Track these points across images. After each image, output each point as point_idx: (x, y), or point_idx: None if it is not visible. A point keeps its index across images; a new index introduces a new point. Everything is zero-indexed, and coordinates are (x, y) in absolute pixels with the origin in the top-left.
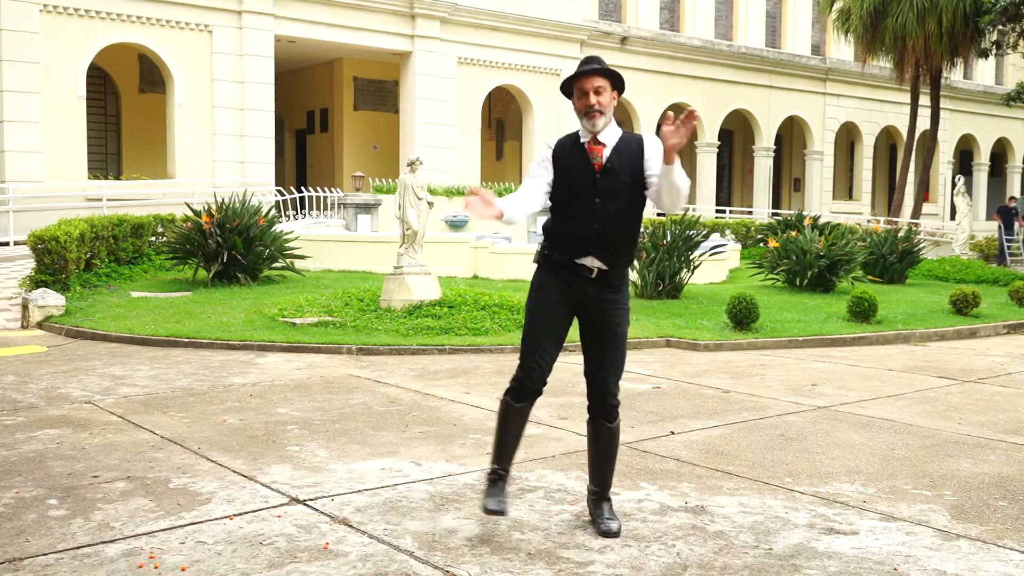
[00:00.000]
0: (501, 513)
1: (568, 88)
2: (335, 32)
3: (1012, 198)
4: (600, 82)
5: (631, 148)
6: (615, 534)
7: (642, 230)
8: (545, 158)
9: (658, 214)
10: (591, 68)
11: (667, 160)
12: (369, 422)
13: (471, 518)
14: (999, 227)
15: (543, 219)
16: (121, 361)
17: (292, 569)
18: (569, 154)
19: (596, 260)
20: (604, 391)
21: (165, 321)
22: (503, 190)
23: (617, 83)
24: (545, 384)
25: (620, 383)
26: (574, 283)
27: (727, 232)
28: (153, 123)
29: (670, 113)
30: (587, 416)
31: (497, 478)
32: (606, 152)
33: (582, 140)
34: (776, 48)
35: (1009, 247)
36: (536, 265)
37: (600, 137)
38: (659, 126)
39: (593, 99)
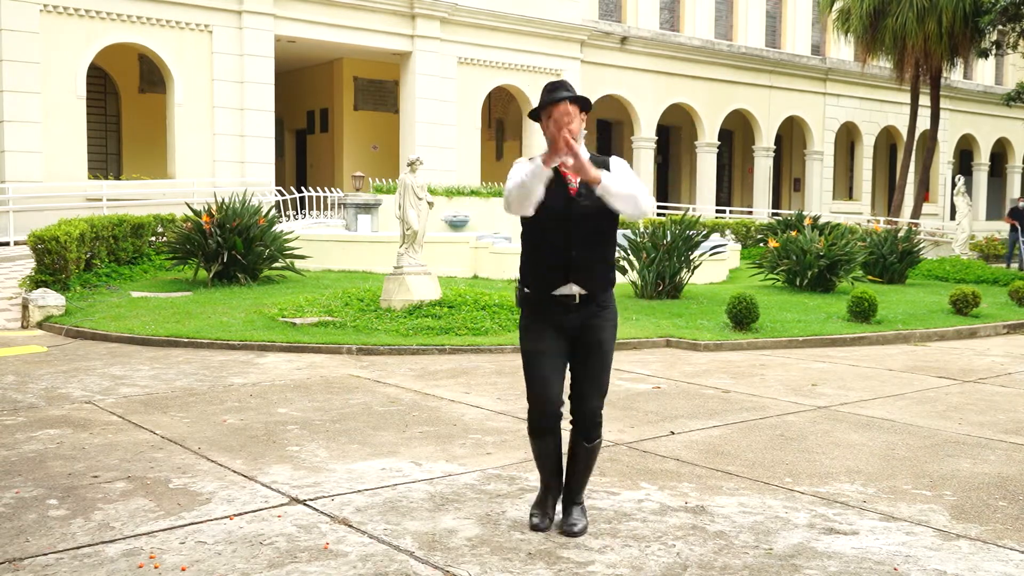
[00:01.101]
0: (539, 528)
1: (537, 114)
2: (335, 32)
3: (1022, 197)
4: (570, 109)
5: (602, 169)
6: (576, 534)
7: (642, 230)
8: (524, 168)
9: (658, 210)
10: (560, 96)
11: (593, 183)
12: (369, 422)
13: (471, 518)
14: (1013, 229)
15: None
16: (121, 361)
17: (292, 569)
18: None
19: (576, 287)
20: (586, 412)
21: (165, 321)
22: (502, 190)
23: (585, 106)
24: (561, 415)
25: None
26: (559, 318)
27: (727, 232)
28: (153, 123)
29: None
30: (571, 426)
31: (544, 493)
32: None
33: (553, 166)
34: (776, 48)
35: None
36: (520, 308)
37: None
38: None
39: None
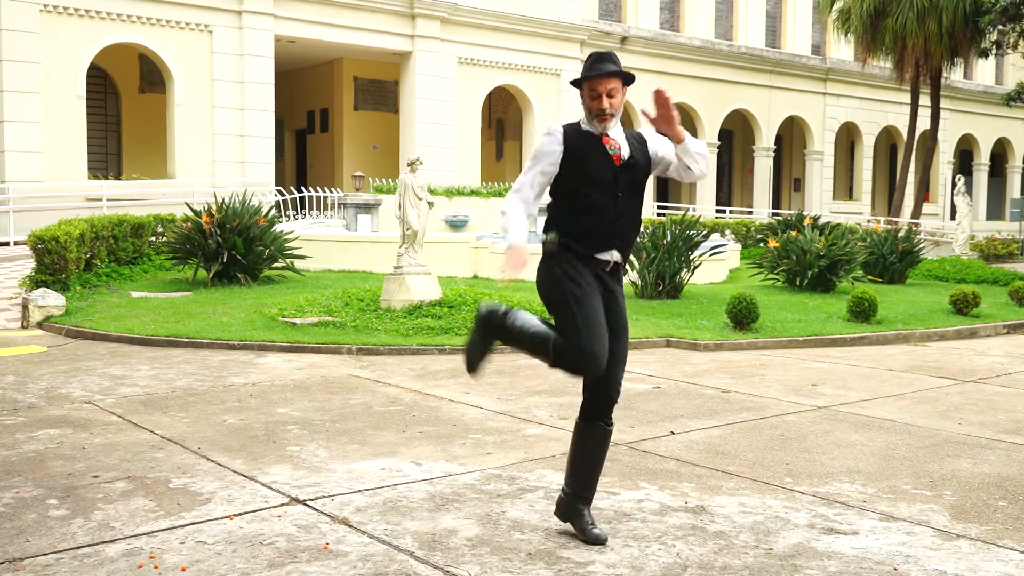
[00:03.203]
0: (603, 540)
1: (579, 83)
2: (335, 32)
3: None
4: (614, 84)
5: (639, 142)
6: (604, 540)
7: (642, 230)
8: (553, 152)
9: (658, 210)
10: (607, 71)
11: (677, 140)
12: (369, 422)
13: (471, 518)
14: None
15: (542, 218)
16: (121, 361)
17: (292, 569)
18: (586, 146)
19: (616, 253)
20: (612, 384)
21: (165, 321)
22: (503, 190)
23: (628, 80)
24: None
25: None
26: (598, 274)
27: (727, 232)
28: (153, 123)
29: (643, 111)
30: (580, 418)
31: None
32: (623, 146)
33: (594, 132)
34: (776, 48)
35: None
36: (550, 255)
37: (611, 133)
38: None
39: (606, 103)
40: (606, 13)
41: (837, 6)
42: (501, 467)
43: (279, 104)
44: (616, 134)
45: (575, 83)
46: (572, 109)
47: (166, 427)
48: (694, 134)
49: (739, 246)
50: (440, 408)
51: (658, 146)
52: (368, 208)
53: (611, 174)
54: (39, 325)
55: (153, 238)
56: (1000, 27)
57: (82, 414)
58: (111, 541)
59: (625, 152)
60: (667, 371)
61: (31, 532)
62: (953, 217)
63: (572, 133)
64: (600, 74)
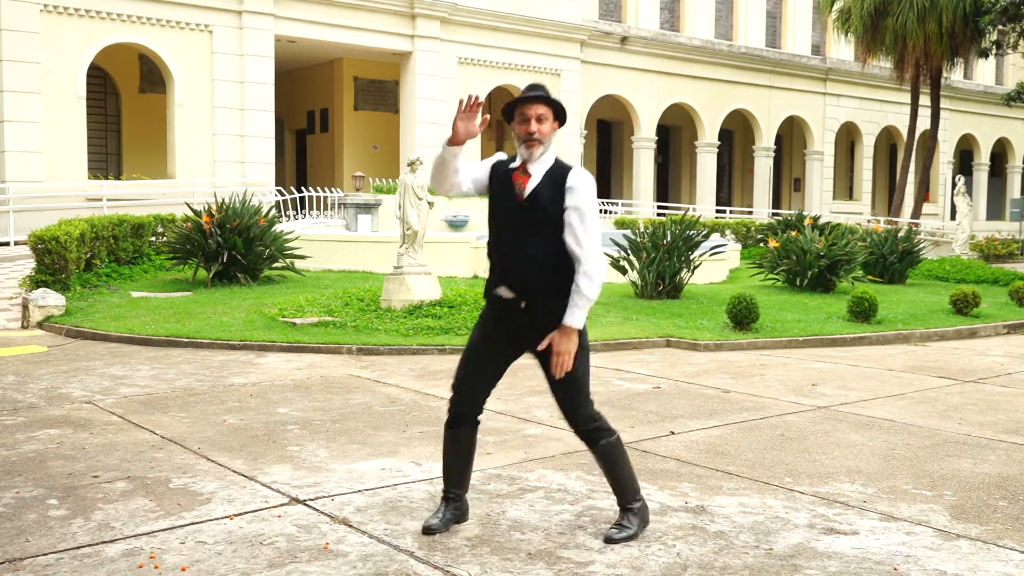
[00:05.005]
0: (432, 531)
1: (510, 112)
2: (335, 32)
3: None
4: (542, 110)
5: (557, 182)
6: (609, 540)
7: (642, 230)
8: (485, 166)
9: (658, 210)
10: (535, 95)
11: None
12: (369, 422)
13: (471, 518)
14: None
15: None
16: (121, 361)
17: (292, 569)
18: (501, 179)
19: (509, 292)
20: (576, 422)
21: (165, 321)
22: None
23: (559, 114)
24: (480, 412)
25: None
26: (503, 314)
27: (727, 232)
28: (153, 123)
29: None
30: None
31: (446, 499)
32: (530, 184)
33: (513, 167)
34: (776, 48)
35: None
36: None
37: (530, 167)
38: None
39: (534, 127)
40: (606, 13)
41: (837, 6)
42: (501, 467)
43: (279, 104)
44: (537, 168)
45: (505, 114)
46: (573, 109)
47: (166, 427)
48: (694, 135)
49: (739, 246)
50: (440, 408)
51: (569, 194)
52: (368, 208)
53: (512, 210)
54: (39, 325)
55: (153, 238)
56: (1000, 27)
57: (82, 414)
58: (111, 541)
59: (529, 190)
60: (667, 371)
61: (31, 532)
62: (953, 217)
63: (502, 164)
64: (528, 97)
